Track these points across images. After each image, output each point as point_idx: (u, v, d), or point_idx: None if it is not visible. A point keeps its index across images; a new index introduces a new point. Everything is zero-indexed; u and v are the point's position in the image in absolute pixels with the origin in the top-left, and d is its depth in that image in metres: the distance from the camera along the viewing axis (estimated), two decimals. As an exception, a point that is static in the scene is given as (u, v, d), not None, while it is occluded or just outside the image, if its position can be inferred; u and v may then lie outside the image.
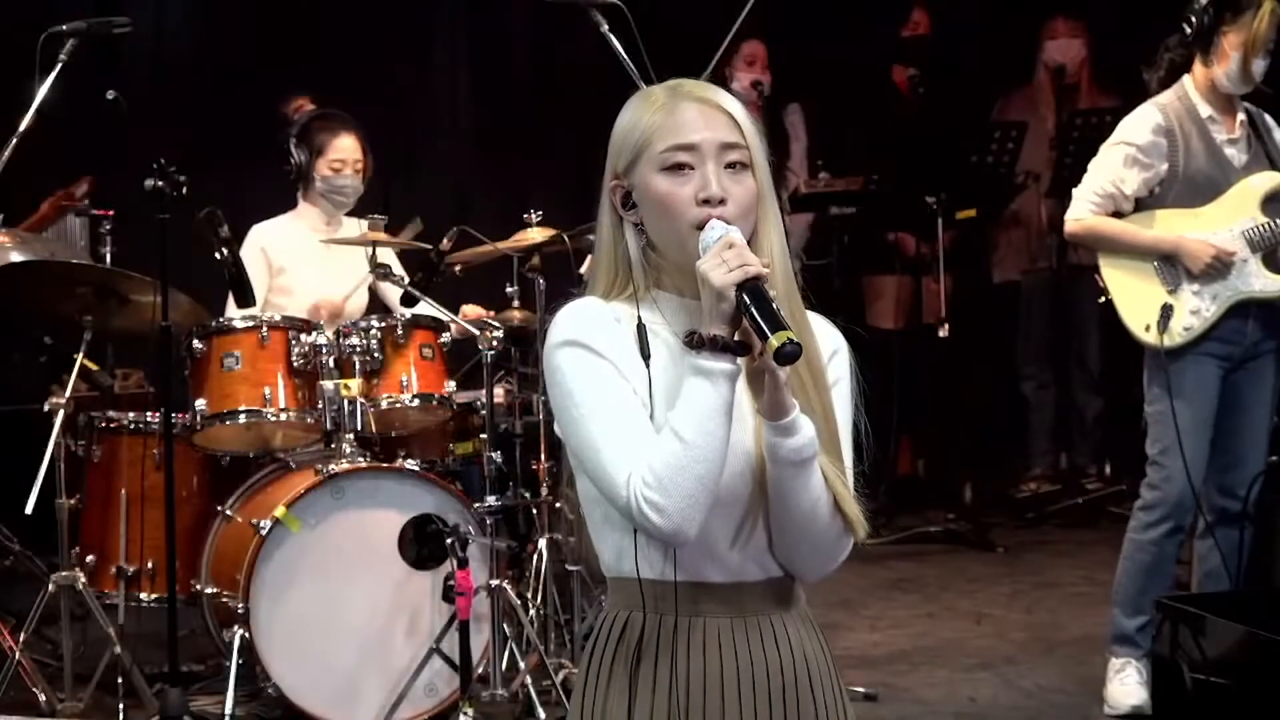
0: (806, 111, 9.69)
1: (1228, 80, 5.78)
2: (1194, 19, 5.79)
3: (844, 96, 9.82)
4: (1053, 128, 9.30)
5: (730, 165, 2.76)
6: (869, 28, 10.11)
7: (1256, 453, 5.92)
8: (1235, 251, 5.77)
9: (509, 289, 6.63)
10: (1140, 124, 5.83)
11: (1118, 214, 5.86)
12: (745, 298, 2.61)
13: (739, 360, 2.65)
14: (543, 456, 6.46)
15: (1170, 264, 5.82)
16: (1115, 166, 5.83)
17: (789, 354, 2.56)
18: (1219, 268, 5.75)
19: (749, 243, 2.73)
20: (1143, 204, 5.87)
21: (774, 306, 2.60)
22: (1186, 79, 5.85)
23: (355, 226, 6.66)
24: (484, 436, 6.13)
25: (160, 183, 5.69)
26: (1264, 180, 5.85)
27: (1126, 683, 5.88)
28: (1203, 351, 5.81)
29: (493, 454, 6.04)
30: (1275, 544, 6.25)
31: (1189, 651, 5.21)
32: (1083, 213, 5.88)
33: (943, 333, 8.76)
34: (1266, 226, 5.80)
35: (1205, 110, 5.83)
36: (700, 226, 2.72)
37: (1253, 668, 5.02)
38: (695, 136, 2.76)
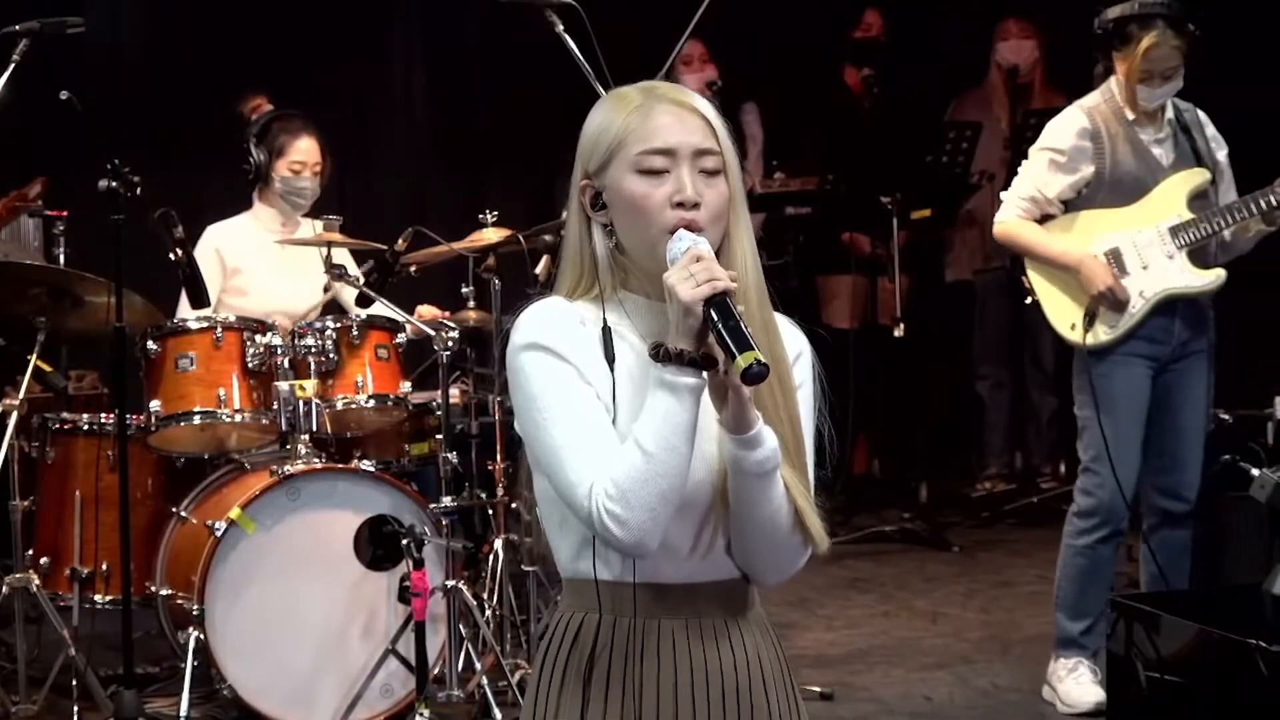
0: (762, 112, 9.71)
1: (1122, 98, 5.86)
2: (1096, 37, 5.84)
3: (798, 97, 9.85)
4: (1007, 128, 9.33)
5: (704, 170, 2.76)
6: (821, 28, 10.13)
7: (1195, 452, 5.97)
8: (1130, 298, 5.80)
9: (464, 289, 6.63)
10: (1064, 128, 5.88)
11: (1046, 217, 5.90)
12: (712, 314, 2.59)
13: (705, 374, 2.64)
14: (499, 457, 6.45)
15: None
16: (1039, 171, 5.89)
17: (755, 375, 2.55)
18: (1110, 300, 5.79)
19: (720, 249, 2.73)
20: (1071, 204, 5.91)
21: (741, 324, 2.58)
22: (1113, 80, 5.90)
23: (311, 227, 6.65)
24: (440, 437, 6.12)
25: (114, 183, 5.68)
26: (1190, 177, 5.91)
27: (1081, 681, 5.91)
28: (1130, 352, 5.85)
29: (448, 455, 6.03)
30: (1226, 542, 6.29)
31: (1143, 650, 5.23)
32: (1007, 216, 5.94)
33: (898, 333, 8.78)
34: (1192, 223, 5.85)
35: (1131, 112, 5.88)
36: (673, 230, 2.71)
37: (1207, 666, 5.04)
38: (672, 140, 2.75)
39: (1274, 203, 5.79)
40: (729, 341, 2.57)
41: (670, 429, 2.62)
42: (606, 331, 2.73)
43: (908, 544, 8.80)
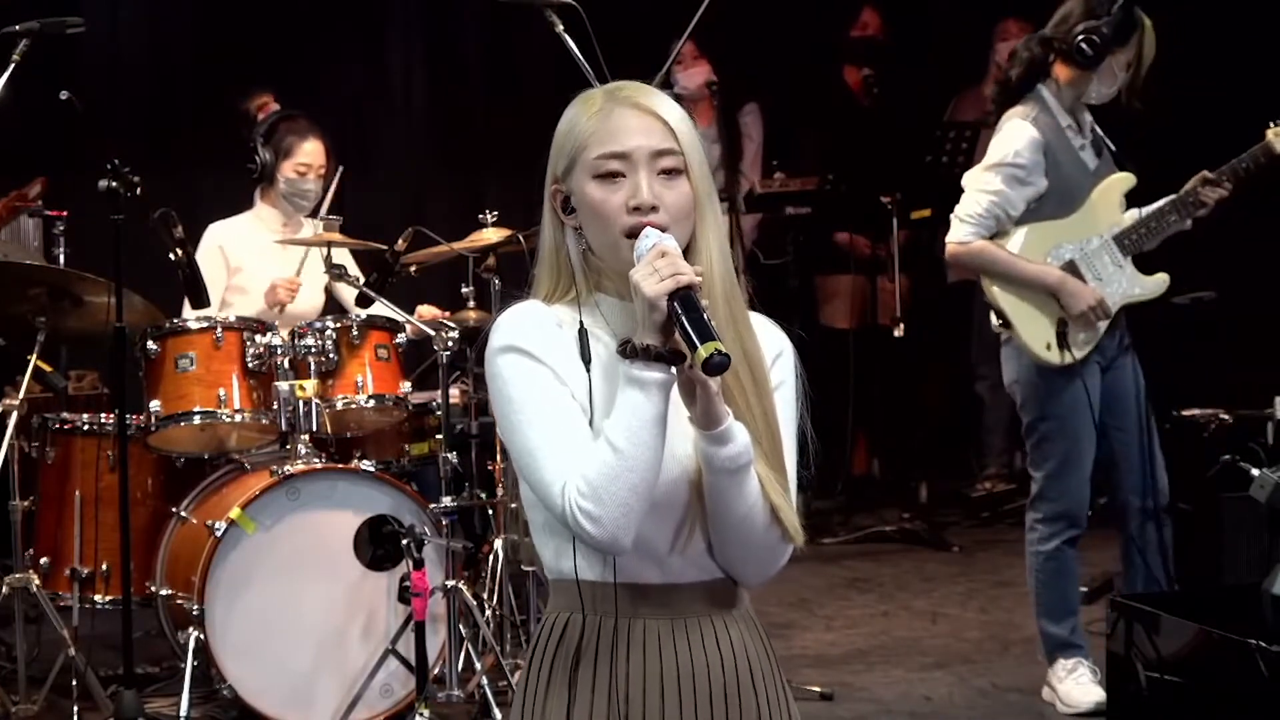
0: (763, 112, 9.71)
1: (1104, 93, 5.88)
2: (1096, 40, 5.81)
3: (798, 97, 9.85)
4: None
5: (664, 172, 2.76)
6: (820, 28, 10.14)
7: (1145, 444, 6.01)
8: (1111, 308, 5.84)
9: (464, 289, 6.63)
10: (1021, 142, 5.83)
11: (999, 233, 5.89)
12: (676, 307, 2.61)
13: (673, 369, 2.66)
14: (498, 457, 6.46)
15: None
16: (999, 187, 5.83)
17: (716, 365, 2.57)
18: (1095, 318, 5.81)
19: (688, 248, 2.75)
20: (1019, 218, 5.91)
21: (704, 316, 2.61)
22: (1043, 90, 5.89)
23: (312, 227, 6.65)
24: (439, 437, 6.12)
25: (114, 183, 5.68)
26: (1120, 182, 5.98)
27: (1082, 681, 5.92)
28: (1091, 362, 5.89)
29: (448, 455, 6.03)
30: (1226, 542, 6.31)
31: (1143, 650, 5.24)
32: (965, 235, 5.88)
33: (898, 332, 8.78)
34: (1132, 229, 5.91)
35: (1065, 120, 5.90)
36: (632, 234, 2.72)
37: (1207, 666, 5.05)
38: (627, 144, 2.76)
39: (1196, 201, 5.86)
40: (691, 333, 2.59)
41: (639, 424, 2.64)
42: (582, 333, 2.75)
43: (907, 544, 8.80)
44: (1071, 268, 5.86)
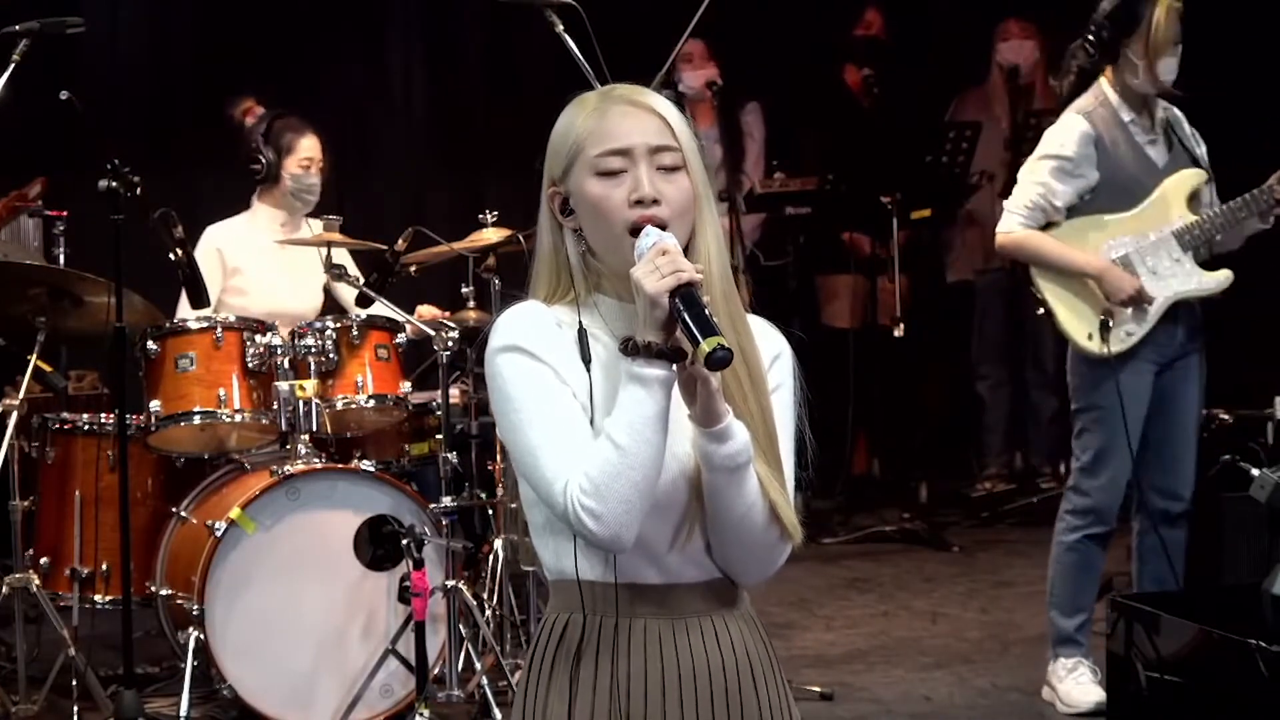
0: (765, 112, 9.71)
1: (1139, 86, 5.85)
2: (1096, 33, 5.82)
3: (798, 96, 9.85)
4: (1007, 128, 9.33)
5: (663, 167, 2.77)
6: (821, 28, 10.14)
7: (1191, 452, 6.01)
8: (1155, 298, 5.83)
9: (464, 289, 6.63)
10: (1069, 135, 5.85)
11: (1049, 224, 5.89)
12: (678, 304, 2.62)
13: (674, 366, 2.66)
14: (498, 457, 6.46)
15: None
16: (1045, 179, 5.85)
17: (720, 359, 2.58)
18: (1137, 304, 5.81)
19: (686, 246, 2.76)
20: (1075, 210, 5.90)
21: (706, 312, 2.62)
22: (1103, 83, 5.89)
23: (310, 227, 6.65)
24: (439, 437, 6.12)
25: (114, 184, 5.68)
26: (1189, 179, 5.93)
27: (1082, 681, 5.92)
28: (1140, 358, 5.87)
29: (448, 455, 6.03)
30: (1226, 542, 6.30)
31: (1143, 649, 5.24)
32: (1013, 226, 5.90)
33: (898, 332, 8.77)
34: (1196, 224, 5.86)
35: (1126, 114, 5.88)
36: (634, 229, 2.73)
37: (1207, 666, 5.04)
38: (626, 140, 2.77)
39: (1271, 200, 5.83)
40: (693, 328, 2.60)
41: (641, 421, 2.65)
42: (582, 333, 2.75)
43: (907, 544, 8.80)
44: (1125, 262, 5.85)
